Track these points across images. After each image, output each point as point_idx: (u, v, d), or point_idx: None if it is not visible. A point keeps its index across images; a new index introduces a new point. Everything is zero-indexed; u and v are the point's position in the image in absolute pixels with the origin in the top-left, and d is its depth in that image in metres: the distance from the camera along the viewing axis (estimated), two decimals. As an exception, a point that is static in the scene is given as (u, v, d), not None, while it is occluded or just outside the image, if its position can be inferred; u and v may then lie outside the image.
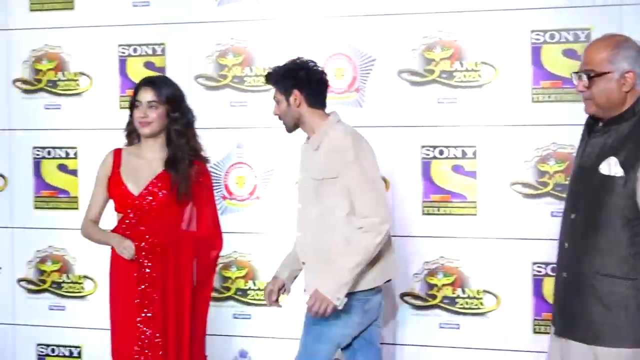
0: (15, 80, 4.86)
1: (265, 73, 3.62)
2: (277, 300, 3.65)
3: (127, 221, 3.44)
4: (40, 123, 4.83)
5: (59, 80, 4.80)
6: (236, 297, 4.58)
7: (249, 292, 4.57)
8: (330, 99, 4.32)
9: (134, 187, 3.44)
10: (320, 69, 3.57)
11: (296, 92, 3.47)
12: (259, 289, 4.52)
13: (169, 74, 4.50)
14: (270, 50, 4.50)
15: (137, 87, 3.48)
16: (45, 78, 4.81)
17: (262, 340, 4.55)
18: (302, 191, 3.55)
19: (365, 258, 3.30)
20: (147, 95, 3.42)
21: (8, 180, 4.90)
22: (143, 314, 3.40)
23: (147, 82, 3.50)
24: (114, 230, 3.47)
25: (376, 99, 4.40)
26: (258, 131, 4.54)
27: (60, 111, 4.80)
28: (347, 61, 4.44)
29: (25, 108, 4.85)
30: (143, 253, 3.38)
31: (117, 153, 3.53)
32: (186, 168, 3.43)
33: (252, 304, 4.56)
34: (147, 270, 3.39)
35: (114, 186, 3.47)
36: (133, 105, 3.46)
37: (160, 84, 3.49)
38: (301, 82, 3.48)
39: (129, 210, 3.43)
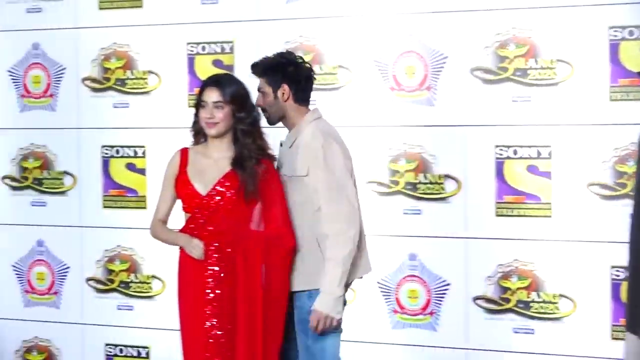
0: (84, 79, 5.28)
1: (252, 63, 3.88)
2: None
3: (195, 221, 3.67)
4: (108, 122, 5.24)
5: (128, 78, 5.19)
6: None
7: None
8: (401, 97, 4.66)
9: (202, 186, 3.66)
10: (308, 65, 3.86)
11: (285, 87, 3.72)
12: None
13: (238, 72, 4.81)
14: (340, 48, 4.81)
15: (203, 87, 3.72)
16: (114, 76, 5.21)
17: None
18: None
19: (345, 268, 3.61)
20: (212, 96, 3.65)
21: (77, 179, 5.32)
22: (212, 315, 3.62)
23: (213, 81, 3.73)
24: (182, 230, 3.71)
25: (448, 97, 4.68)
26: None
27: (129, 110, 5.20)
28: (418, 59, 4.71)
29: (93, 107, 5.27)
30: (213, 253, 3.61)
31: (184, 152, 3.77)
32: (253, 167, 3.64)
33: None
34: (216, 269, 3.60)
35: (182, 186, 3.71)
36: (199, 104, 3.69)
37: (225, 83, 3.72)
38: (290, 77, 3.73)
39: (196, 210, 3.66)
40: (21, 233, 5.47)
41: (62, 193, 5.38)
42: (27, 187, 5.45)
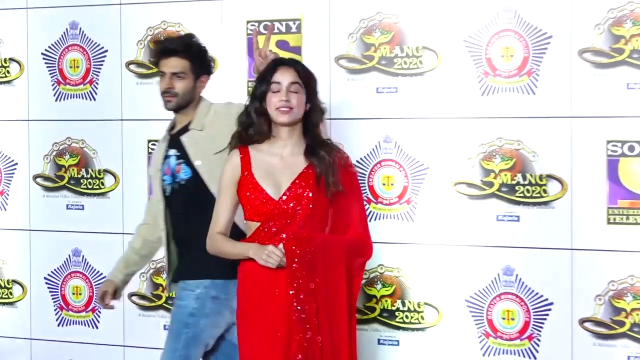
0: (128, 63, 5.52)
1: (174, 38, 4.41)
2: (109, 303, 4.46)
3: (266, 229, 3.71)
4: (156, 112, 5.35)
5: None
6: (382, 319, 5.03)
7: (397, 314, 5.01)
8: (497, 83, 4.76)
9: (273, 190, 3.73)
10: None
11: (205, 77, 4.28)
12: (408, 310, 4.96)
13: (306, 54, 5.01)
14: (425, 26, 4.95)
15: (274, 66, 3.79)
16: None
17: None
18: None
19: None
20: (288, 76, 3.73)
21: (120, 179, 5.55)
22: (299, 332, 3.63)
23: (289, 60, 3.85)
24: (247, 241, 3.76)
25: (552, 84, 4.77)
26: (409, 122, 4.99)
27: (179, 98, 5.38)
28: (517, 39, 4.81)
29: (140, 95, 5.51)
30: (295, 260, 3.60)
31: (244, 152, 3.81)
32: (330, 154, 3.74)
33: (401, 327, 5.00)
34: (300, 281, 3.61)
35: (248, 191, 3.75)
36: (265, 90, 3.74)
37: (300, 64, 3.85)
38: (211, 67, 4.32)
39: (268, 218, 3.71)
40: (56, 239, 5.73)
41: (102, 195, 5.60)
42: (63, 187, 5.68)
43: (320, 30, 5.13)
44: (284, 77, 3.71)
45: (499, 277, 4.86)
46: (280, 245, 3.61)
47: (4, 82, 5.78)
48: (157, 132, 5.33)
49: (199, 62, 4.23)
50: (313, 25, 5.16)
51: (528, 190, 4.81)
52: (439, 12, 4.93)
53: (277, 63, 3.80)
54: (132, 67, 5.51)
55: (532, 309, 4.81)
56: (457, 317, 4.91)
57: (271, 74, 3.74)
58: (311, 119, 3.78)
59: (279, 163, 3.75)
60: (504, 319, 4.86)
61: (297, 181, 3.72)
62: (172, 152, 4.22)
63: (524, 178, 4.81)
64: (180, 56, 4.17)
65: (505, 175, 4.84)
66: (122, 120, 5.52)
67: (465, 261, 4.89)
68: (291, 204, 3.70)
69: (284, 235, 3.66)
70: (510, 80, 4.82)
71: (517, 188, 4.82)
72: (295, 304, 3.61)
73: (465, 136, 4.90)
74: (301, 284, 3.61)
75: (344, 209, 3.76)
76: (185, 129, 4.23)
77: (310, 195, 3.71)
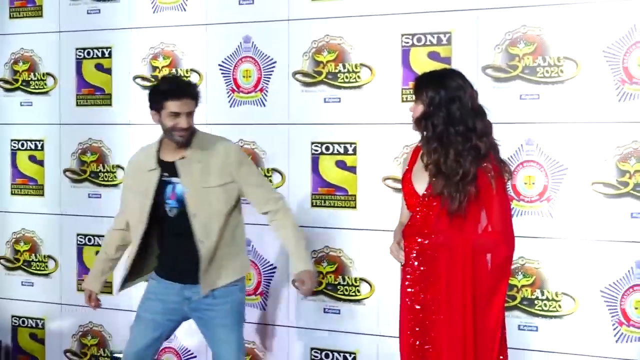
0: (294, 73, 5.94)
1: (181, 80, 4.91)
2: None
3: (414, 222, 4.11)
4: (319, 117, 5.87)
5: (340, 72, 5.79)
6: (522, 306, 5.34)
7: (536, 302, 5.32)
8: (633, 91, 4.97)
9: (420, 186, 4.11)
10: None
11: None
12: (547, 299, 5.25)
13: (455, 64, 5.34)
14: (566, 37, 5.22)
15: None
16: (325, 70, 5.83)
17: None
18: None
19: None
20: None
21: (286, 176, 5.99)
22: (412, 320, 4.08)
23: None
24: (403, 230, 4.17)
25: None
26: (550, 126, 5.26)
27: (340, 104, 5.81)
28: None
29: (304, 102, 5.92)
30: (412, 255, 4.06)
31: (416, 150, 4.24)
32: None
33: (540, 315, 5.30)
34: (417, 272, 4.04)
35: (405, 184, 4.20)
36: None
37: None
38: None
39: (417, 210, 4.09)
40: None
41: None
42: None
43: (469, 42, 5.43)
44: None
45: (632, 270, 5.07)
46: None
47: (185, 90, 6.26)
48: (319, 134, 5.83)
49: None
50: (462, 38, 5.46)
51: (662, 190, 5.04)
52: (579, 24, 5.17)
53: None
54: (297, 76, 5.91)
55: (664, 301, 5.04)
56: (592, 306, 5.15)
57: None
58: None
59: None
60: (636, 308, 5.07)
61: None
62: (177, 180, 4.71)
63: (658, 178, 5.04)
64: (191, 98, 4.68)
65: (640, 175, 5.07)
66: (288, 124, 5.95)
67: (600, 255, 5.12)
68: (432, 201, 4.11)
69: (426, 231, 4.08)
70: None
71: (650, 188, 5.06)
72: (407, 299, 4.12)
73: (602, 139, 5.12)
74: (414, 277, 4.12)
75: (486, 208, 4.10)
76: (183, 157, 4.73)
77: None
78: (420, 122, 4.07)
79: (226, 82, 6.15)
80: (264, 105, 6.04)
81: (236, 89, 6.12)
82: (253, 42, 6.04)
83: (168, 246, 4.83)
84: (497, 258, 4.00)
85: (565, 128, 5.21)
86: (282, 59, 5.97)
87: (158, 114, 4.67)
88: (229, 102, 6.14)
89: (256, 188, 4.82)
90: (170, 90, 4.65)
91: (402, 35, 5.63)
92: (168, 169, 4.74)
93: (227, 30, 6.15)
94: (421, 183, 4.11)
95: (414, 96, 4.14)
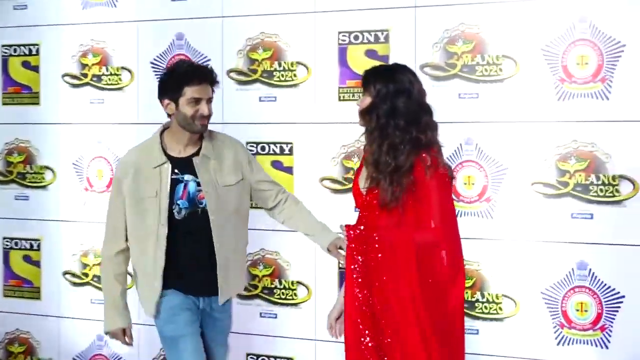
0: (229, 71, 5.79)
1: (201, 66, 4.40)
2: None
3: (359, 221, 4.00)
4: (254, 116, 5.73)
5: (275, 70, 5.66)
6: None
7: (476, 304, 5.22)
8: (572, 89, 4.93)
9: (363, 182, 3.97)
10: None
11: None
12: (487, 302, 5.16)
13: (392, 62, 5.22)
14: (505, 35, 5.15)
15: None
16: (261, 68, 5.68)
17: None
18: None
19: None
20: None
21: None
22: (357, 315, 3.92)
23: None
24: None
25: (625, 90, 4.92)
26: (489, 126, 5.20)
27: (276, 103, 5.68)
28: (592, 48, 4.98)
29: (239, 100, 5.77)
30: (353, 252, 3.90)
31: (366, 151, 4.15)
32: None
33: (480, 317, 5.21)
34: (356, 267, 3.89)
35: (353, 186, 4.08)
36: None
37: None
38: None
39: (361, 209, 4.02)
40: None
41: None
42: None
43: (407, 40, 5.35)
44: None
45: (573, 272, 5.02)
46: None
47: (116, 89, 6.09)
48: (254, 134, 5.68)
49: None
50: (400, 35, 5.38)
51: (601, 190, 4.97)
52: (518, 22, 5.12)
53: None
54: (232, 74, 5.77)
55: (605, 302, 4.97)
56: (533, 308, 5.10)
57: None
58: None
59: None
60: (577, 310, 5.02)
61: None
62: (189, 177, 4.27)
63: (598, 178, 4.97)
64: (210, 83, 4.27)
65: (580, 175, 5.00)
66: (223, 123, 5.72)
67: (541, 256, 5.07)
68: (369, 198, 3.98)
69: (362, 227, 3.93)
70: (585, 87, 4.98)
71: (590, 188, 4.99)
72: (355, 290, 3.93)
73: (542, 139, 5.07)
74: (354, 272, 3.95)
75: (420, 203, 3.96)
76: (196, 153, 4.31)
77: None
78: (365, 115, 3.94)
79: (158, 80, 5.91)
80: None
81: (170, 88, 5.93)
82: (186, 39, 5.90)
83: (175, 252, 4.27)
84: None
85: (505, 127, 5.14)
86: (216, 56, 5.83)
87: (174, 102, 4.26)
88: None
89: (266, 182, 4.51)
90: (191, 73, 4.27)
91: (339, 33, 5.53)
92: (177, 165, 4.29)
93: (159, 27, 6.00)
94: (364, 179, 3.99)
95: (362, 88, 3.99)
